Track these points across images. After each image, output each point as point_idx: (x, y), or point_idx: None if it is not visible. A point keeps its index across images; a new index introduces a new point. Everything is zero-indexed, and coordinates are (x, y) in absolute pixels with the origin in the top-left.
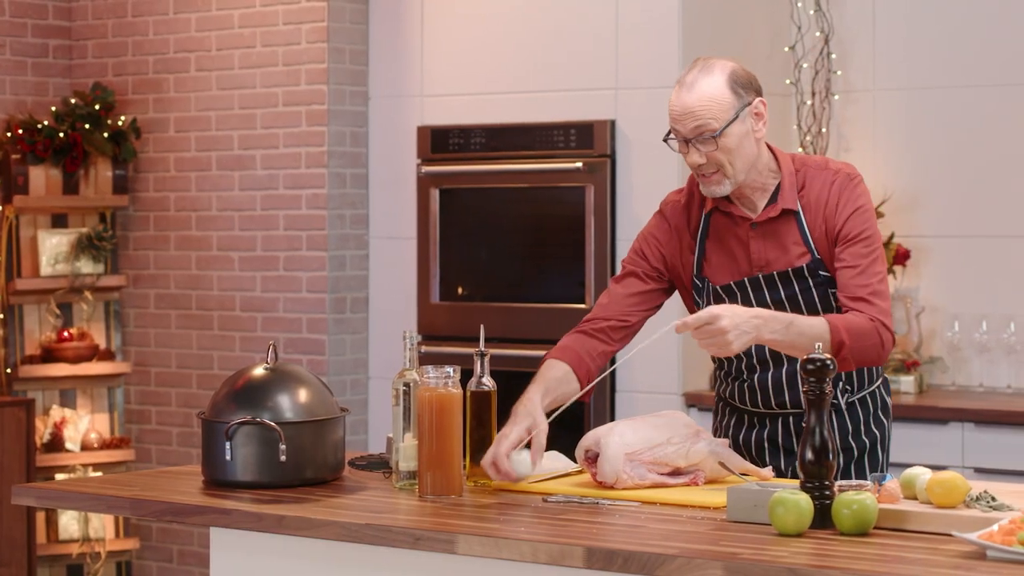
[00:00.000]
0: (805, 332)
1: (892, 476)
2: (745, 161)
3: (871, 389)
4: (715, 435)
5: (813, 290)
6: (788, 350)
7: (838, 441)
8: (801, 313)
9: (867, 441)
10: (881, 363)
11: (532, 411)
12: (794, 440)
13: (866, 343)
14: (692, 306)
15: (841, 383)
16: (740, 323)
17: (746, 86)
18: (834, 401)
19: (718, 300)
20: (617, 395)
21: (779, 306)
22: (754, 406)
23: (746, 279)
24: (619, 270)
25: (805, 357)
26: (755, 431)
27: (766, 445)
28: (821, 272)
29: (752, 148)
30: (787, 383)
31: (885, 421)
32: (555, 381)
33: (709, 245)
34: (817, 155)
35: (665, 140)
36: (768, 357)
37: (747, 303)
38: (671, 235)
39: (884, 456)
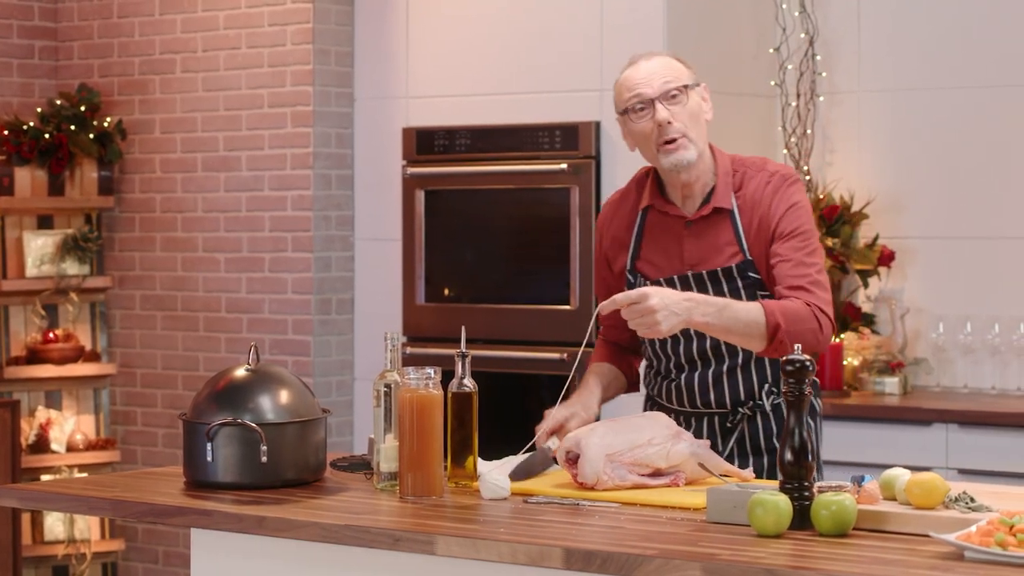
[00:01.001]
0: (739, 316)
1: (872, 477)
2: (702, 134)
3: None
4: None
5: (742, 291)
6: (722, 334)
7: (763, 442)
8: None
9: None
10: (821, 349)
11: (586, 401)
12: (719, 439)
13: (803, 327)
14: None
15: (767, 385)
16: (670, 304)
17: (692, 69)
18: (759, 403)
19: None
20: None
21: None
22: (680, 405)
23: (676, 276)
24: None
25: (785, 358)
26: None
27: None
28: (751, 273)
29: (704, 127)
30: (713, 383)
31: (812, 423)
32: (606, 377)
33: (644, 241)
34: (756, 156)
35: (622, 113)
36: (696, 357)
37: None
38: (605, 238)
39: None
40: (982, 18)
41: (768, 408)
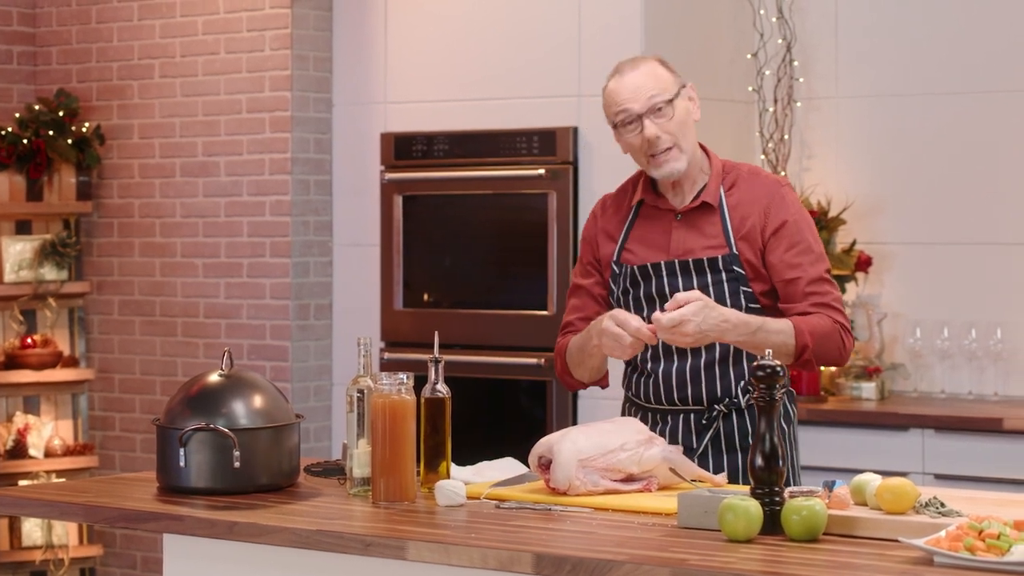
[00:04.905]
0: (770, 338)
1: (843, 482)
2: (692, 140)
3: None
4: None
5: (725, 284)
6: (753, 349)
7: (738, 440)
8: None
9: None
10: (841, 364)
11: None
12: (694, 437)
13: (829, 345)
14: (607, 293)
15: (744, 382)
16: (706, 329)
17: (676, 72)
18: (735, 400)
19: (633, 282)
20: (579, 401)
21: None
22: (657, 402)
23: (663, 263)
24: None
25: (755, 364)
26: (657, 428)
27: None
28: (735, 267)
29: (693, 130)
30: (691, 377)
31: (786, 428)
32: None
33: (632, 234)
34: (747, 164)
35: (612, 127)
36: (673, 349)
37: (659, 288)
38: (596, 228)
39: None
40: (959, 24)
41: (744, 406)
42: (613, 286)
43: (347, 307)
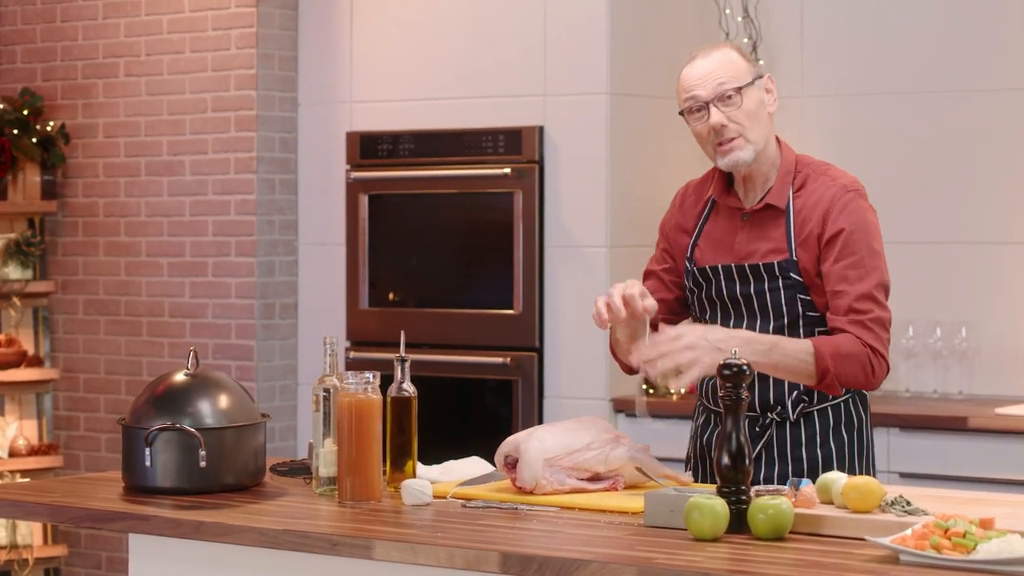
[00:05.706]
0: (787, 360)
1: (809, 481)
2: (762, 132)
3: (834, 402)
4: (692, 436)
5: (781, 291)
6: (769, 371)
7: (789, 450)
8: (764, 312)
9: (820, 454)
10: (871, 389)
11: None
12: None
13: (853, 369)
14: (678, 280)
15: (797, 392)
16: (712, 340)
17: (753, 61)
18: (786, 407)
19: (696, 283)
20: (545, 400)
21: (746, 300)
22: (716, 405)
23: (720, 267)
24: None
25: (722, 362)
26: (718, 432)
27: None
28: (792, 274)
29: (767, 121)
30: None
31: (846, 436)
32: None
33: (705, 229)
34: (821, 160)
35: (681, 114)
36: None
37: (718, 291)
38: (672, 222)
39: (861, 466)
40: (924, 24)
41: (793, 416)
42: (687, 282)
43: (313, 306)
